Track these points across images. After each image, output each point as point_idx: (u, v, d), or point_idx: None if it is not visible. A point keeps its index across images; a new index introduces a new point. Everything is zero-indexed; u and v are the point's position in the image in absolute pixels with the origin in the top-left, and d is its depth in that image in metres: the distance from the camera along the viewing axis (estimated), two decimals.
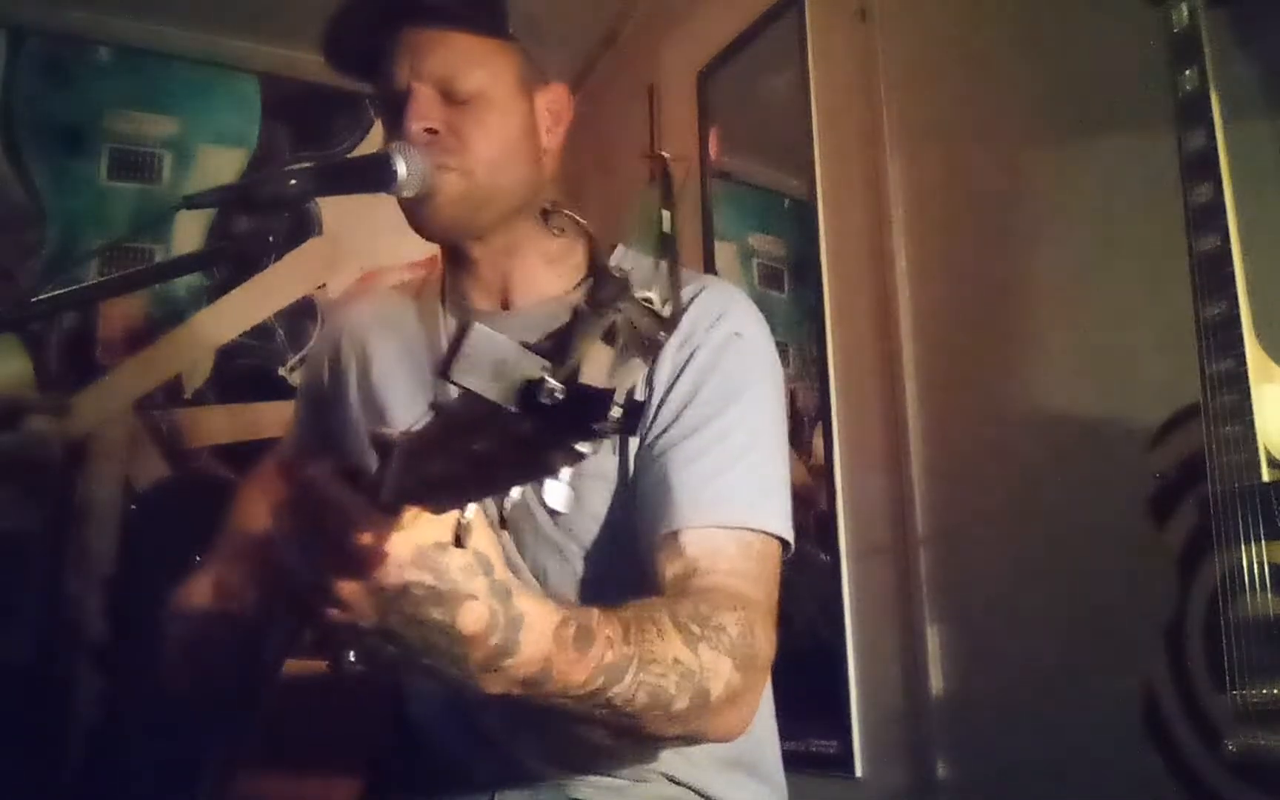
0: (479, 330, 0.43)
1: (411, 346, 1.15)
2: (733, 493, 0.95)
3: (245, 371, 2.72)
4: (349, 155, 2.87)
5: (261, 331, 2.76)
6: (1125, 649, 1.18)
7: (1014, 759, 1.49)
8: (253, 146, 2.84)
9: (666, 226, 0.58)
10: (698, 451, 0.96)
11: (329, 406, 1.21)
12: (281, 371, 2.76)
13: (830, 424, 1.95)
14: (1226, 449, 1.05)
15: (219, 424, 2.66)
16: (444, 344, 1.11)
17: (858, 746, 1.81)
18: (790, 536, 0.98)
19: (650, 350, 0.47)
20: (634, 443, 0.99)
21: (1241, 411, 1.05)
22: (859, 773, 1.80)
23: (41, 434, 2.44)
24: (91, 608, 2.39)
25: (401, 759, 1.07)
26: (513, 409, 0.43)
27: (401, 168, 0.97)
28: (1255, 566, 1.02)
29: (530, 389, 0.43)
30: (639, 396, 0.99)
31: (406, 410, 1.10)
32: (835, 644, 1.85)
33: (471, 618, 0.65)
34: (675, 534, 0.93)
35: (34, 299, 1.03)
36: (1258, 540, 1.02)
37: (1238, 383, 1.05)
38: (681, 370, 1.00)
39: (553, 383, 0.42)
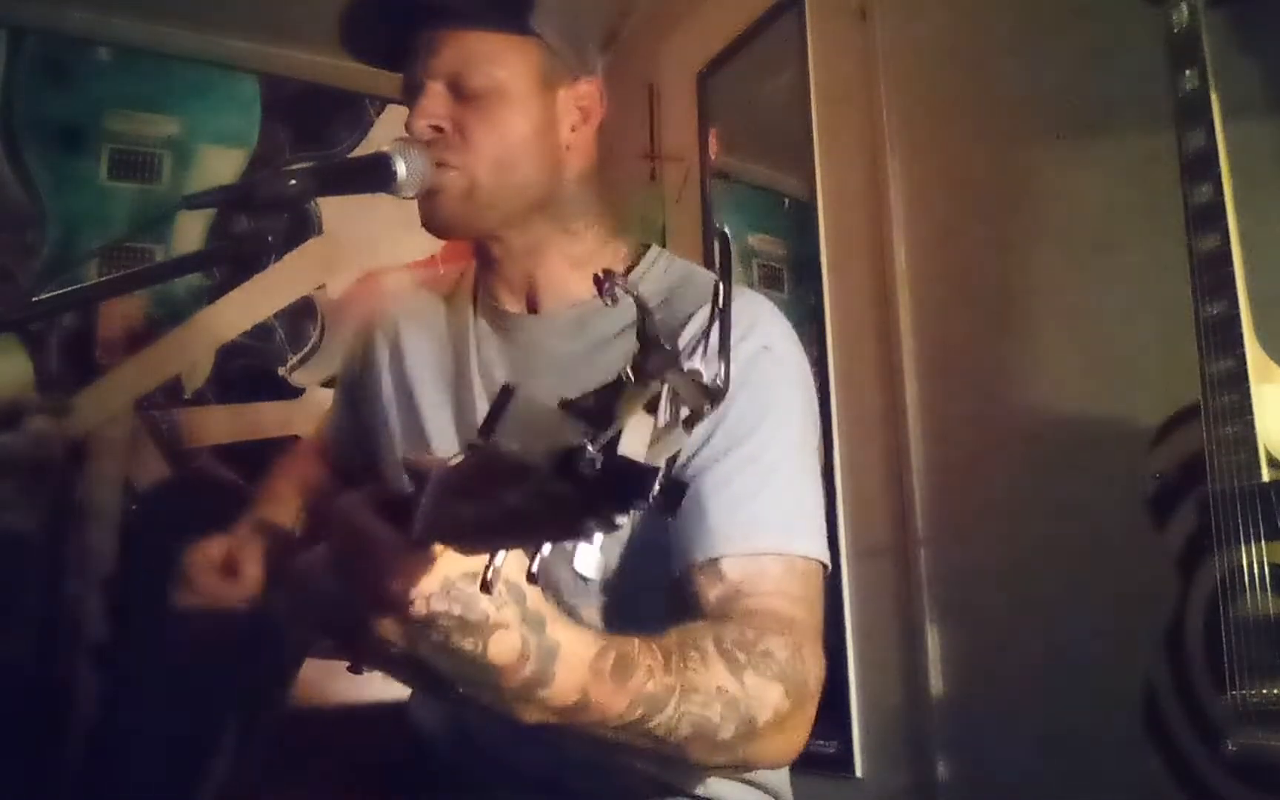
0: (521, 398, 0.43)
1: (442, 347, 1.15)
2: (768, 518, 0.92)
3: (245, 371, 2.72)
4: (349, 155, 2.87)
5: (261, 331, 2.76)
6: (1125, 649, 1.18)
7: (1014, 759, 1.49)
8: (253, 146, 2.84)
9: (720, 300, 0.57)
10: (731, 474, 0.93)
11: (362, 397, 1.22)
12: (281, 371, 2.76)
13: (830, 424, 1.95)
14: (1226, 449, 1.05)
15: (219, 424, 2.66)
16: (473, 348, 1.11)
17: (858, 746, 1.81)
18: (827, 558, 0.95)
19: (692, 423, 0.46)
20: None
21: (1241, 411, 1.05)
22: (859, 773, 1.80)
23: (41, 434, 2.44)
24: (91, 608, 2.39)
25: (406, 770, 1.07)
26: (551, 474, 0.42)
27: (401, 168, 0.97)
28: (1255, 566, 1.02)
29: (570, 456, 0.42)
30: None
31: (435, 409, 1.10)
32: (835, 644, 1.85)
33: (503, 648, 0.64)
34: (715, 561, 0.90)
35: (34, 299, 1.03)
36: (1258, 540, 1.02)
37: (1238, 383, 1.05)
38: None
39: (592, 452, 0.42)
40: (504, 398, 0.43)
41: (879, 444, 1.85)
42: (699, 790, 1.00)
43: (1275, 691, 0.98)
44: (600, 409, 0.44)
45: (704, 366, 0.49)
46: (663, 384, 0.46)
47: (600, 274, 0.60)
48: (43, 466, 2.43)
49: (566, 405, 0.44)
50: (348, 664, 0.70)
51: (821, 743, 1.84)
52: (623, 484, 0.42)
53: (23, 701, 2.26)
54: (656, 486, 0.42)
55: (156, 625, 1.09)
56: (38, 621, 2.35)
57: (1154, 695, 1.12)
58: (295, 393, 2.75)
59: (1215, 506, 1.06)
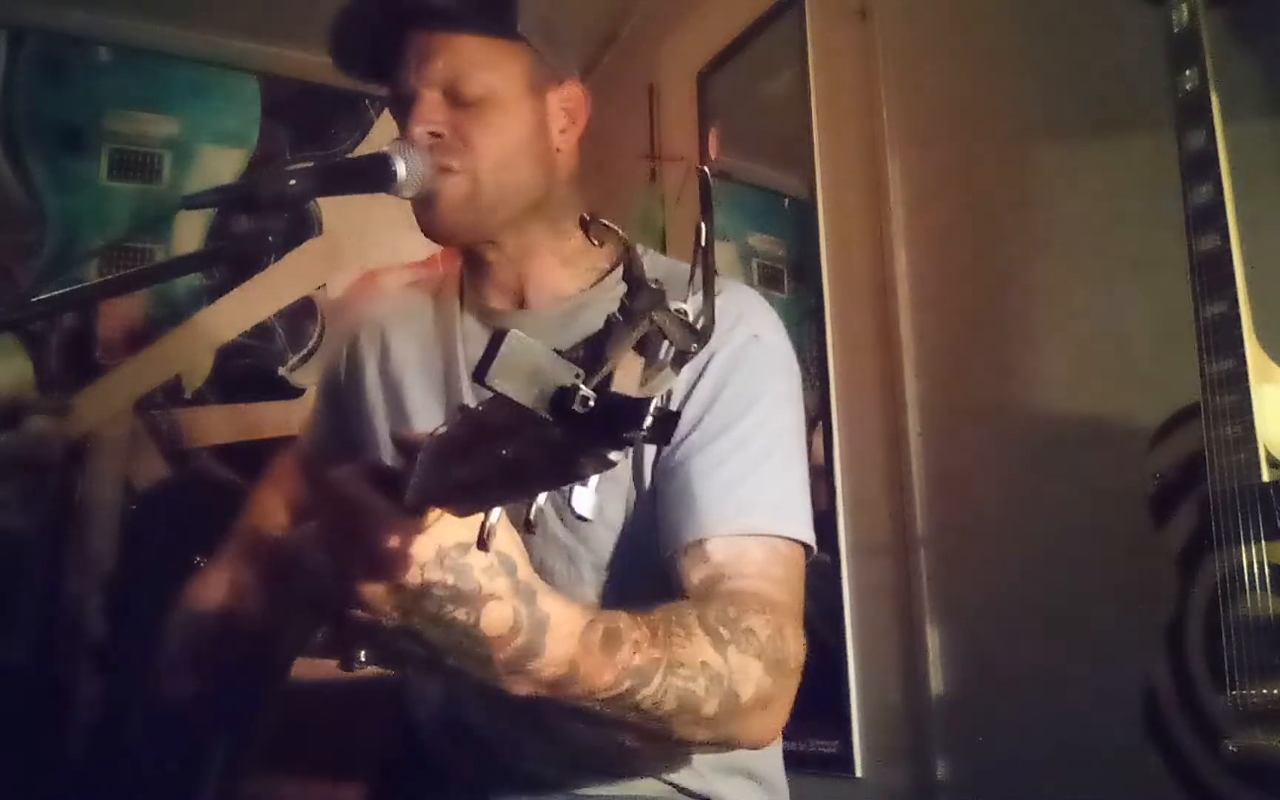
0: (515, 336, 0.43)
1: (428, 345, 1.15)
2: (756, 500, 0.94)
3: (245, 371, 2.72)
4: (349, 155, 2.87)
5: (261, 331, 2.76)
6: (1125, 649, 1.18)
7: (1014, 759, 1.49)
8: (253, 146, 2.84)
9: (703, 239, 0.58)
10: (720, 458, 0.95)
11: (347, 400, 1.21)
12: (281, 371, 2.76)
13: (830, 424, 1.95)
14: (1226, 449, 1.05)
15: (219, 424, 2.66)
16: (460, 345, 1.11)
17: (858, 746, 1.81)
18: (813, 541, 0.97)
19: (680, 361, 0.47)
20: (651, 449, 0.98)
21: (1241, 411, 1.05)
22: (859, 773, 1.80)
23: (41, 434, 2.44)
24: (91, 608, 2.39)
25: (404, 765, 1.07)
26: (545, 415, 0.43)
27: (401, 168, 0.97)
28: (1255, 566, 1.02)
29: (563, 396, 0.43)
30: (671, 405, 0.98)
31: (423, 408, 1.11)
32: (835, 644, 1.85)
33: (495, 619, 0.65)
34: (700, 543, 0.92)
35: (34, 299, 1.03)
36: (1258, 540, 1.02)
37: (1238, 383, 1.05)
38: (700, 374, 0.98)
39: (586, 390, 0.43)
40: (497, 340, 0.43)
41: (879, 443, 1.85)
42: (694, 785, 1.00)
43: (1275, 691, 0.98)
44: (592, 352, 0.45)
45: (690, 308, 0.49)
46: (651, 323, 0.46)
47: (586, 216, 0.61)
48: (43, 466, 2.43)
49: (559, 352, 0.45)
50: (338, 662, 0.70)
51: (821, 743, 1.84)
52: (616, 418, 0.43)
53: (23, 701, 2.26)
54: (649, 417, 0.43)
55: (156, 630, 1.10)
56: (38, 621, 2.36)
57: (1154, 695, 1.12)
58: (295, 393, 2.75)
59: (1215, 506, 1.06)
